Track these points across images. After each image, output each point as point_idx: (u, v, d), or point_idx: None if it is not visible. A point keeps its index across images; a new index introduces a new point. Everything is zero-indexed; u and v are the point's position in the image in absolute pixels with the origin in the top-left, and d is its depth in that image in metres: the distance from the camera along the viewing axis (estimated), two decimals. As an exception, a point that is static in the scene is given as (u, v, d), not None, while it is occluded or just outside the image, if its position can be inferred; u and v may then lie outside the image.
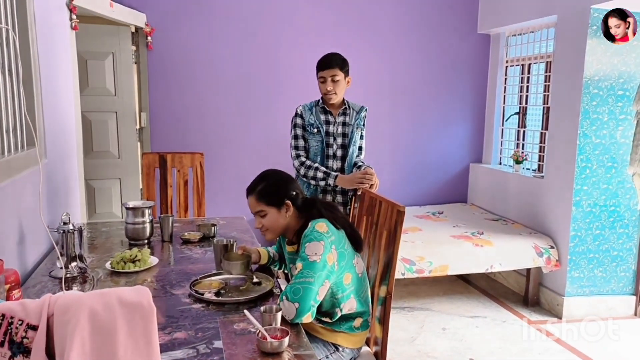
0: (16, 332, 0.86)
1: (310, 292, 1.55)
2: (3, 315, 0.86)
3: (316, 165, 2.62)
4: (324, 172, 2.59)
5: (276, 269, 2.04)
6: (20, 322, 0.86)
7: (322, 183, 2.60)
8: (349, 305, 1.73)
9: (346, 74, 2.61)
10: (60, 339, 0.87)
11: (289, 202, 1.75)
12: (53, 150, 2.37)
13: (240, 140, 4.12)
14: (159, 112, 3.94)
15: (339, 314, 1.72)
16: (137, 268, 1.91)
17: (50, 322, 0.88)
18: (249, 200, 1.80)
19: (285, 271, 2.09)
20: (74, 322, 0.88)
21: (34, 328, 0.86)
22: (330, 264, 1.62)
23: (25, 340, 0.86)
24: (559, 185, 3.51)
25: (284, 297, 1.55)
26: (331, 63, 2.56)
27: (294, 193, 1.78)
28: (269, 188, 1.76)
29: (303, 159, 2.65)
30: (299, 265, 1.61)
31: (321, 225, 1.67)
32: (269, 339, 1.32)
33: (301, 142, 2.68)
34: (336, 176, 2.58)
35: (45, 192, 2.19)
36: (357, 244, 1.78)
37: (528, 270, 3.60)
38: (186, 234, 2.37)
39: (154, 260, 2.00)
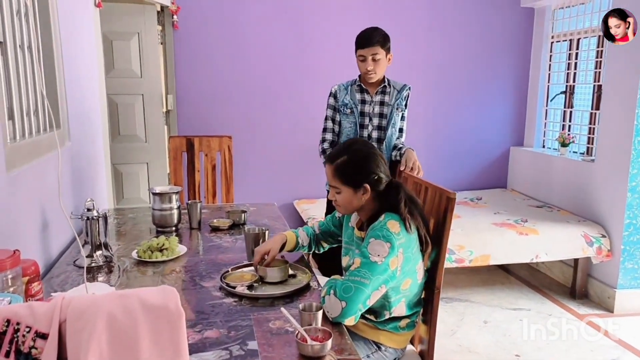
0: (23, 340, 0.73)
1: (362, 294, 1.38)
2: (8, 321, 0.73)
3: None
4: None
5: (305, 251, 1.88)
6: (27, 330, 0.74)
7: None
8: (399, 309, 1.57)
9: (387, 51, 2.41)
10: (74, 349, 0.74)
11: (367, 185, 1.55)
12: (77, 133, 2.27)
13: (270, 123, 3.98)
14: (185, 94, 3.82)
15: (387, 317, 1.57)
16: (164, 257, 1.81)
17: (62, 329, 0.75)
18: (327, 168, 1.61)
19: (317, 251, 1.90)
20: (90, 329, 0.75)
21: (44, 337, 0.74)
22: (393, 268, 1.45)
23: (33, 351, 0.73)
24: (612, 169, 3.24)
25: (331, 292, 1.39)
26: (372, 40, 2.36)
27: (376, 177, 1.56)
28: (348, 166, 1.56)
29: (326, 145, 2.49)
30: (357, 261, 1.44)
31: (394, 224, 1.47)
32: (309, 341, 1.18)
33: (329, 124, 2.52)
34: None
35: (69, 176, 2.10)
36: (423, 244, 1.58)
37: (575, 260, 3.37)
38: (215, 221, 2.25)
39: (182, 249, 1.89)
